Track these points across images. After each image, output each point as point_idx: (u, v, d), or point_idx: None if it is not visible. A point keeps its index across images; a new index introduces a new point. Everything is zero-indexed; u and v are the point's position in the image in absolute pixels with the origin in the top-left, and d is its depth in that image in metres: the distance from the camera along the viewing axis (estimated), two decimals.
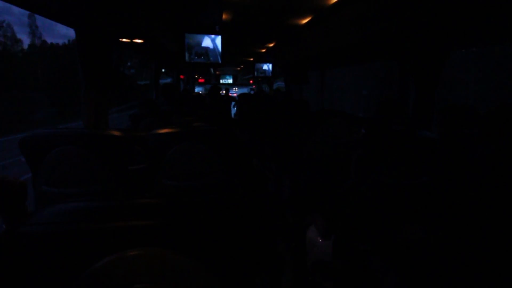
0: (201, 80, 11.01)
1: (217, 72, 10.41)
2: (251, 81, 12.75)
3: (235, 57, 7.18)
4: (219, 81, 10.94)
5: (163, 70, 5.28)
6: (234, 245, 0.63)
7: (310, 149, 2.18)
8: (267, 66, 7.06)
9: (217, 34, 3.75)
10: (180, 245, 0.59)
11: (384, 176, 1.42)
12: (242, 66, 9.33)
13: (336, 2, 2.59)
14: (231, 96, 8.54)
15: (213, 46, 3.76)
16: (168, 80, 7.85)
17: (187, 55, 3.70)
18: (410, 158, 1.42)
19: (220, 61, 3.81)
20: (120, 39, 2.79)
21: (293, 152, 2.42)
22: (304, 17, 3.28)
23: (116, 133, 1.27)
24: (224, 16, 3.25)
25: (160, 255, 0.47)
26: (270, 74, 7.15)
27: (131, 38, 2.81)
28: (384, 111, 1.84)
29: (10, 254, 0.48)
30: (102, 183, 1.19)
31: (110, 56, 2.08)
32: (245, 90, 13.07)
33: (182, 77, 8.02)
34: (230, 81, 11.21)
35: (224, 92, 9.34)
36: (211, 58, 3.76)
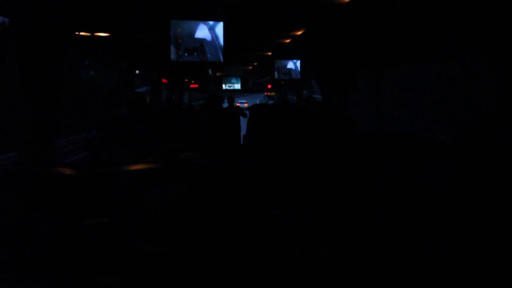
0: (193, 86, 11.34)
1: (217, 74, 10.72)
2: (269, 86, 13.01)
3: (245, 51, 7.40)
4: (221, 86, 11.20)
5: (137, 72, 5.49)
6: None
7: (362, 194, 2.19)
8: (293, 64, 7.23)
9: (217, 20, 3.90)
10: None
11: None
12: (255, 63, 9.58)
13: None
14: (239, 109, 8.69)
15: (212, 37, 3.89)
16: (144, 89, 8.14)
17: (173, 51, 3.85)
18: None
19: (221, 59, 3.93)
20: (77, 33, 2.96)
21: (337, 198, 2.43)
22: None
23: (66, 170, 1.34)
24: None
25: None
26: (298, 76, 7.30)
27: (92, 30, 2.98)
28: (475, 134, 1.86)
29: None
30: (43, 247, 1.24)
31: (61, 57, 2.21)
32: (260, 99, 13.30)
33: (165, 81, 8.30)
34: (237, 86, 11.45)
35: (227, 103, 9.57)
36: (208, 55, 3.88)
